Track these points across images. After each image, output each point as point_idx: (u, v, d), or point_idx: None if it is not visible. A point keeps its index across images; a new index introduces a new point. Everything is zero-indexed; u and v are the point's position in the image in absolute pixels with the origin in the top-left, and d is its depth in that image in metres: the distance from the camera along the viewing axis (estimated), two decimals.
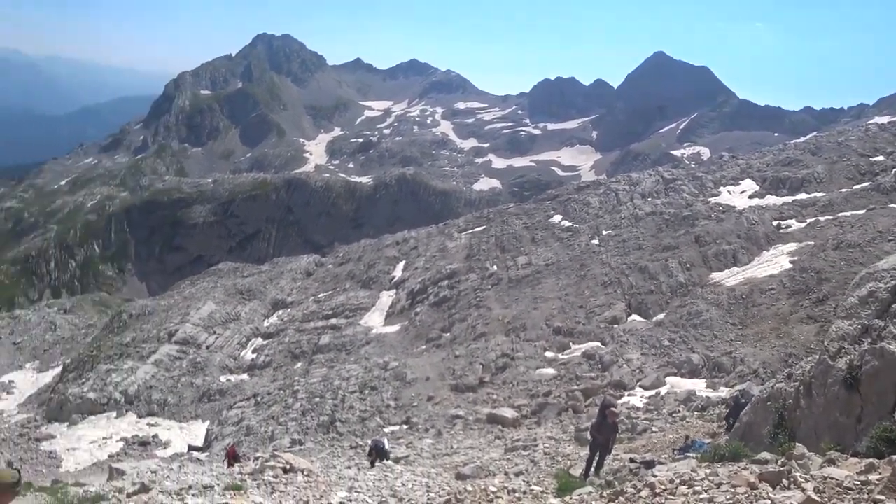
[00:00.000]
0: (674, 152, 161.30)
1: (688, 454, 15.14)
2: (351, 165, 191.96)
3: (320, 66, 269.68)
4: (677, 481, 7.64)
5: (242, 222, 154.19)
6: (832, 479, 6.56)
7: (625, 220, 54.65)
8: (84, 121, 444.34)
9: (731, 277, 40.81)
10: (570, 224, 58.47)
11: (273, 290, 69.89)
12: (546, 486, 13.77)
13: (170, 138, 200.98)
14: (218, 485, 15.14)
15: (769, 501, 6.38)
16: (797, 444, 8.79)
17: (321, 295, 66.24)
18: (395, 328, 54.04)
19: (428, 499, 14.23)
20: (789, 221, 45.54)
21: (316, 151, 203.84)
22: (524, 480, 15.93)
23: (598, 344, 39.10)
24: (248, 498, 13.96)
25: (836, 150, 56.66)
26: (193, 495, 13.95)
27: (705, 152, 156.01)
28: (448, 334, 48.77)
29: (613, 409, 15.63)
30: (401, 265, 66.37)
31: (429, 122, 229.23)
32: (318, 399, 39.87)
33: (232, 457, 24.83)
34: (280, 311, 65.16)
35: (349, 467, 21.06)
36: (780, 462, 8.09)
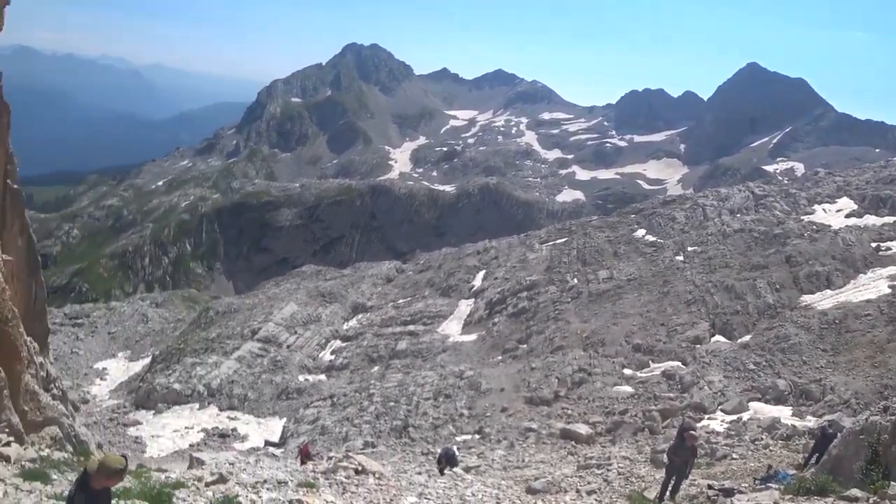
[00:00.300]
0: (765, 167, 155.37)
1: (770, 485, 14.50)
2: (434, 174, 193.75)
3: (407, 75, 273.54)
4: None
5: (327, 227, 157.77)
6: None
7: (712, 237, 52.90)
8: (181, 126, 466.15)
9: (823, 301, 38.88)
10: (654, 239, 57.11)
11: (354, 294, 71.09)
12: None
13: (261, 143, 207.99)
14: (291, 481, 15.44)
15: None
16: (892, 482, 8.25)
17: (400, 301, 66.95)
18: (472, 337, 54.01)
19: None
20: (889, 244, 43.03)
21: (401, 159, 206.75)
22: (596, 500, 15.62)
23: (679, 364, 37.95)
24: (320, 496, 14.17)
25: None
26: (268, 489, 14.26)
27: (799, 168, 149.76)
28: (525, 346, 48.40)
29: (693, 432, 15.12)
30: (480, 275, 66.36)
31: (513, 132, 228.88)
32: (392, 403, 40.22)
33: (305, 455, 25.31)
34: (360, 315, 66.18)
35: (420, 473, 21.11)
36: (871, 501, 7.61)
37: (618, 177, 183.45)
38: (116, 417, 47.10)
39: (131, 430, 44.15)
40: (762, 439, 24.86)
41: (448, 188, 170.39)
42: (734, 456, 22.85)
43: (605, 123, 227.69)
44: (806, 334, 35.23)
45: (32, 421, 16.15)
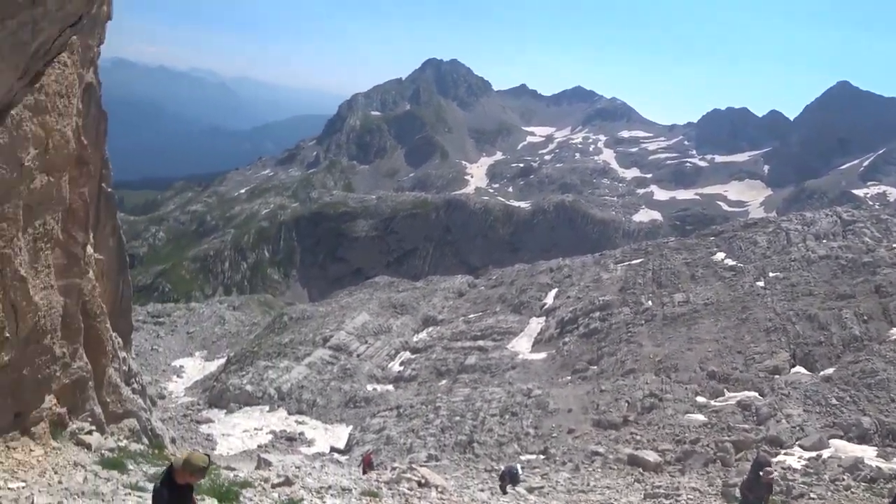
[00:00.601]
0: (855, 191, 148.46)
1: None
2: (510, 189, 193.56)
3: (486, 90, 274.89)
4: None
5: (402, 239, 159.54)
6: None
7: (795, 263, 50.84)
8: (264, 136, 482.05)
9: None
10: (733, 263, 55.31)
11: (425, 306, 71.52)
12: None
13: (340, 155, 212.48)
14: (355, 489, 15.59)
15: None
16: None
17: (471, 315, 66.95)
18: (541, 355, 53.48)
19: None
20: None
21: (477, 174, 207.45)
22: None
23: (756, 394, 36.49)
24: None
25: None
26: (332, 495, 14.45)
27: (892, 193, 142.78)
28: (595, 367, 47.56)
29: (769, 467, 14.54)
30: (553, 293, 65.73)
31: (591, 149, 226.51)
32: (458, 418, 40.14)
33: (367, 464, 25.54)
34: (430, 328, 66.49)
35: (482, 490, 20.97)
36: None
37: (697, 197, 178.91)
38: (190, 414, 48.68)
39: (203, 428, 45.49)
40: (843, 480, 23.60)
41: (523, 204, 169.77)
42: (812, 496, 21.78)
43: (686, 142, 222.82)
44: (895, 370, 33.39)
45: (113, 412, 16.83)
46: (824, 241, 53.80)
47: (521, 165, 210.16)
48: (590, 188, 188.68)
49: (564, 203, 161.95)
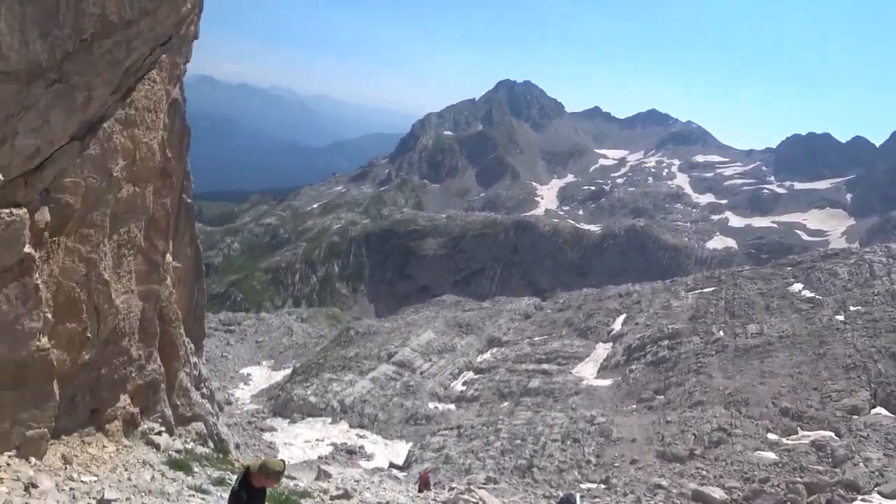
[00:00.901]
0: None
1: None
2: (581, 213, 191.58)
3: (558, 112, 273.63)
4: None
5: (470, 258, 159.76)
6: None
7: (878, 297, 48.50)
8: (338, 153, 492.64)
9: None
10: (811, 295, 53.18)
11: (491, 327, 71.32)
12: None
13: (411, 173, 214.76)
14: None
15: None
16: None
17: (536, 338, 66.39)
18: (606, 382, 52.53)
19: None
20: None
21: (547, 196, 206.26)
22: None
23: (832, 434, 34.88)
24: None
25: None
26: None
27: None
28: (662, 397, 46.38)
29: None
30: (621, 318, 64.59)
31: (664, 173, 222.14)
32: (518, 441, 39.76)
33: (424, 482, 25.50)
34: (494, 349, 66.23)
35: None
36: None
37: (774, 225, 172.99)
38: (254, 421, 49.71)
39: (266, 436, 46.34)
40: None
41: (593, 228, 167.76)
42: None
43: (764, 168, 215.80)
44: None
45: (182, 415, 17.39)
46: None
47: (593, 188, 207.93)
48: (662, 213, 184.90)
49: (635, 227, 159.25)
